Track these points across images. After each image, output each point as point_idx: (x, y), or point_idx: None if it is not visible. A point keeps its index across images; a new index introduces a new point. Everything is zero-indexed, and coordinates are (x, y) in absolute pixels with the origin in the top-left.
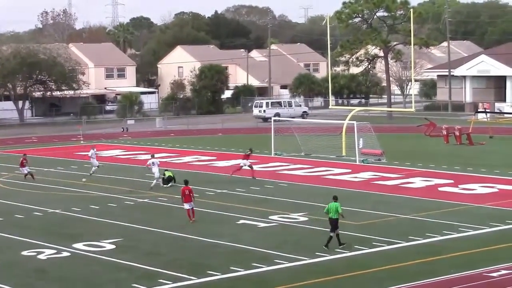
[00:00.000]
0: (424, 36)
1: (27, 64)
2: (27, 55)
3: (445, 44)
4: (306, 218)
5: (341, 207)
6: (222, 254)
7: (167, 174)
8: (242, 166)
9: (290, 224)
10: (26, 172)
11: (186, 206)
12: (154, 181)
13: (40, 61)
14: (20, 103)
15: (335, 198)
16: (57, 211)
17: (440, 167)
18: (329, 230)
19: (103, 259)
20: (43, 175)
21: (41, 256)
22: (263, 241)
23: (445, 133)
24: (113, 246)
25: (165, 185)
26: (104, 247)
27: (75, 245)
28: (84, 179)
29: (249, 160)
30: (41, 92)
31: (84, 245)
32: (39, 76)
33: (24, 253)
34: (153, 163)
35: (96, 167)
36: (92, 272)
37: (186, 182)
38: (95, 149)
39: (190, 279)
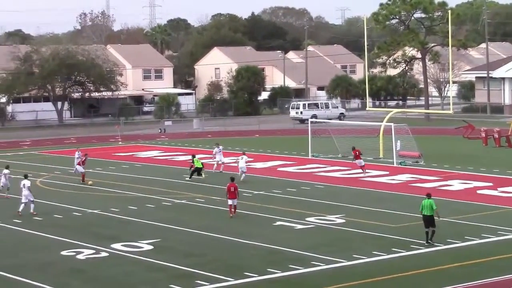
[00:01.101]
0: (462, 38)
1: (66, 65)
2: (66, 57)
3: (483, 45)
4: (343, 220)
5: (435, 204)
6: (259, 255)
7: (197, 165)
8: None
9: (327, 226)
10: (82, 171)
11: (230, 201)
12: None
13: (78, 62)
14: (59, 104)
15: (429, 196)
16: (95, 211)
17: (478, 170)
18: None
19: (140, 259)
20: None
21: (80, 256)
22: (300, 243)
23: (483, 136)
24: (150, 247)
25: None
26: (142, 247)
27: (113, 245)
28: (90, 182)
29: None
30: (80, 93)
31: (122, 245)
32: (78, 77)
33: (63, 253)
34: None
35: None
36: (129, 272)
37: (232, 179)
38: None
39: (227, 280)
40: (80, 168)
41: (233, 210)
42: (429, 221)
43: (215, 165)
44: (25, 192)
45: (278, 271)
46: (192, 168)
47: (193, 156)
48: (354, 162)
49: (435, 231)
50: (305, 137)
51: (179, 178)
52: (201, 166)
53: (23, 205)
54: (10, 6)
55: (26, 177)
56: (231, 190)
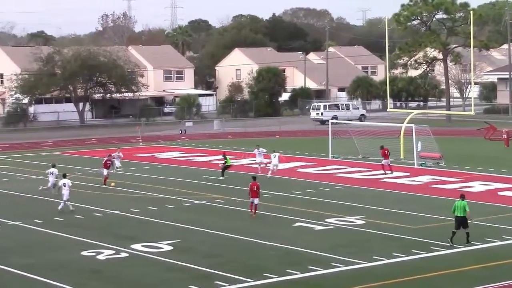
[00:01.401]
0: (484, 39)
1: (88, 66)
2: (88, 58)
3: (505, 46)
4: (363, 222)
5: (468, 206)
6: (278, 256)
7: (228, 163)
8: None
9: (346, 227)
10: (106, 173)
11: (253, 200)
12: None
13: (100, 63)
14: (81, 105)
15: (463, 197)
16: (115, 212)
17: (500, 171)
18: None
19: (160, 260)
20: (102, 176)
21: (100, 257)
22: (319, 244)
23: (505, 137)
24: (170, 247)
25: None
26: (162, 248)
27: (133, 246)
28: (113, 183)
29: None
30: (101, 94)
31: (142, 246)
32: (99, 79)
33: (84, 253)
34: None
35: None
36: (149, 272)
37: (254, 178)
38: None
39: (247, 281)
40: (104, 171)
41: (253, 208)
42: (461, 222)
43: (259, 167)
44: (65, 191)
45: (297, 272)
46: (222, 165)
47: (225, 155)
48: (382, 162)
49: (468, 233)
50: (326, 138)
51: (199, 179)
52: (230, 165)
53: (63, 203)
54: (33, 8)
55: (65, 176)
56: (253, 189)
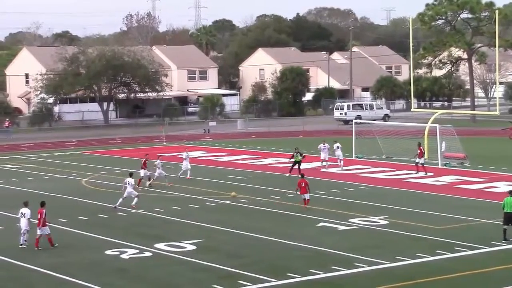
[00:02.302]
0: (509, 38)
1: (112, 66)
2: (112, 58)
3: None
4: (387, 222)
5: None
6: (302, 256)
7: (296, 159)
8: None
9: (370, 228)
10: (142, 175)
11: (302, 196)
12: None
13: (124, 63)
14: (105, 104)
15: (511, 193)
16: (139, 211)
17: None
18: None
19: (184, 259)
20: (127, 175)
21: (124, 256)
22: (343, 244)
23: None
24: (194, 247)
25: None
26: (185, 247)
27: (157, 245)
28: (168, 183)
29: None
30: (125, 94)
31: (165, 245)
32: (123, 78)
33: (108, 252)
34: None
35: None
36: (173, 272)
37: (302, 175)
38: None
39: (270, 281)
40: (142, 172)
41: (305, 202)
42: (510, 218)
43: (323, 163)
44: (129, 189)
45: (320, 272)
46: (292, 160)
47: (297, 149)
48: (417, 161)
49: (506, 230)
50: (349, 138)
51: (223, 178)
52: (299, 160)
53: (121, 200)
54: (58, 8)
55: (131, 175)
56: (301, 185)
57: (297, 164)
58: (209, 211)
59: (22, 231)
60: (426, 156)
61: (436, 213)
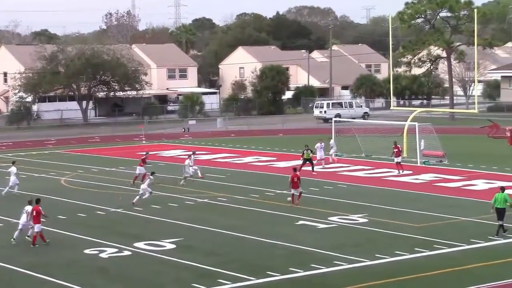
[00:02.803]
0: (488, 37)
1: (91, 65)
2: (91, 56)
3: (509, 44)
4: (366, 220)
5: (509, 198)
6: (281, 255)
7: (306, 156)
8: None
9: (349, 226)
10: (138, 172)
11: (292, 191)
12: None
13: (103, 62)
14: (84, 103)
15: (503, 189)
16: (118, 210)
17: (503, 169)
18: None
19: (163, 258)
20: (106, 174)
21: (103, 255)
22: (323, 242)
23: (508, 135)
24: (173, 246)
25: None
26: (165, 246)
27: (136, 244)
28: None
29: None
30: (105, 93)
31: (145, 244)
32: (103, 77)
33: (87, 251)
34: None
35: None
36: (152, 271)
37: (295, 170)
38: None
39: (250, 280)
40: (141, 169)
41: (296, 200)
42: (501, 213)
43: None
44: (143, 186)
45: (300, 270)
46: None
47: (306, 146)
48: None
49: (503, 225)
50: (329, 136)
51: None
52: (310, 157)
53: (138, 197)
54: (37, 6)
55: (152, 174)
56: (294, 180)
57: (307, 162)
58: (188, 209)
59: (19, 227)
60: (405, 154)
61: (415, 211)
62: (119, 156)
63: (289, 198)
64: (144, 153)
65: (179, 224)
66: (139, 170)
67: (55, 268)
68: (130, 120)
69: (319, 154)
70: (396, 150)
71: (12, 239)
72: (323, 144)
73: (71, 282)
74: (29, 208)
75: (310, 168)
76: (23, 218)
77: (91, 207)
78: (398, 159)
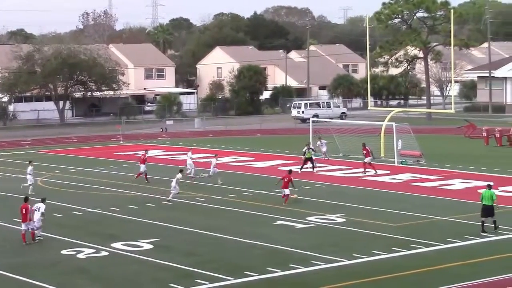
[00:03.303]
0: (464, 37)
1: (68, 64)
2: (68, 56)
3: (485, 45)
4: (344, 220)
5: (495, 195)
6: (259, 254)
7: (308, 155)
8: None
9: (327, 225)
10: (142, 170)
11: (285, 191)
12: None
13: (80, 61)
14: (61, 103)
15: (489, 186)
16: (96, 210)
17: (479, 169)
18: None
19: (141, 258)
20: (83, 175)
21: (80, 255)
22: (301, 242)
23: (485, 135)
24: (150, 246)
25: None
26: (142, 246)
27: (113, 245)
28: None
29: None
30: (82, 93)
31: (122, 244)
32: (80, 77)
33: (64, 252)
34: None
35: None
36: (130, 271)
37: (290, 172)
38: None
39: (227, 280)
40: (142, 167)
41: (285, 199)
42: (488, 211)
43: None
44: (173, 183)
45: (278, 270)
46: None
47: (308, 145)
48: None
49: (496, 221)
50: (307, 136)
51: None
52: (311, 156)
53: (172, 193)
54: (13, 6)
55: (181, 171)
56: (285, 180)
57: (309, 161)
58: (166, 210)
59: (35, 227)
60: (382, 154)
61: (393, 211)
62: (96, 156)
63: (295, 196)
64: (143, 151)
65: (156, 224)
66: (143, 168)
67: (33, 269)
68: (107, 120)
69: (324, 150)
70: (365, 152)
71: (37, 237)
72: (323, 141)
73: (50, 283)
74: (41, 205)
75: (310, 169)
76: (37, 216)
77: (68, 208)
78: (367, 160)
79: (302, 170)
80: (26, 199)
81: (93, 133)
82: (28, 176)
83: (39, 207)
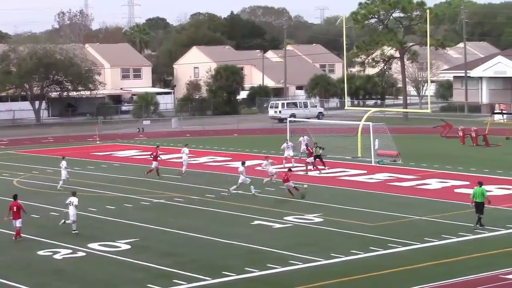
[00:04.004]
0: (440, 37)
1: (44, 64)
2: (44, 56)
3: (461, 45)
4: (322, 219)
5: (486, 192)
6: (237, 254)
7: (316, 153)
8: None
9: (305, 225)
10: (153, 167)
11: (285, 185)
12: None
13: (56, 61)
14: (37, 103)
15: (480, 184)
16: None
17: (456, 169)
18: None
19: (118, 259)
20: (60, 175)
21: (57, 256)
22: (278, 242)
23: (461, 135)
24: (128, 246)
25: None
26: (120, 247)
27: (90, 245)
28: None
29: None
30: (58, 93)
31: (99, 245)
32: (56, 77)
33: (40, 253)
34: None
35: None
36: (107, 272)
37: (289, 170)
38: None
39: (205, 280)
40: (154, 164)
41: (291, 193)
42: (479, 207)
43: (289, 159)
44: (242, 178)
45: (256, 270)
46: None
47: (316, 144)
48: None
49: (481, 218)
50: (284, 136)
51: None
52: (319, 154)
53: (252, 187)
54: None
55: (243, 164)
56: (284, 177)
57: (317, 158)
58: (143, 210)
59: (71, 220)
60: (359, 154)
61: (370, 211)
62: (73, 156)
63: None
64: (155, 147)
65: (134, 224)
66: (154, 164)
67: (9, 270)
68: (84, 120)
69: (286, 152)
70: (308, 152)
71: (73, 231)
72: (290, 144)
73: (26, 284)
74: (74, 199)
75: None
76: (72, 210)
77: (45, 208)
78: (305, 158)
79: (322, 171)
80: (15, 197)
81: (70, 133)
82: (63, 172)
83: (72, 201)
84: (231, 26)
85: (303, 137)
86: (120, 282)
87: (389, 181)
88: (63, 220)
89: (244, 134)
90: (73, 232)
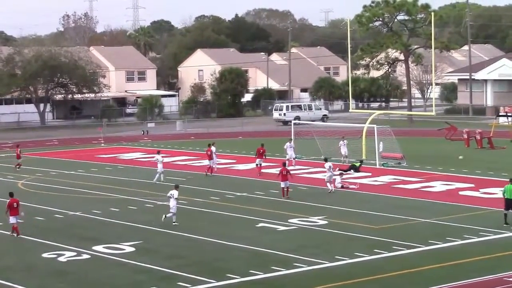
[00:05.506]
0: (445, 40)
1: (49, 67)
2: (49, 58)
3: (466, 47)
4: (326, 222)
5: None
6: (241, 257)
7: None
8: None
9: (309, 228)
10: (211, 165)
11: (282, 184)
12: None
13: (61, 64)
14: (42, 105)
15: None
16: (77, 213)
17: (460, 171)
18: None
19: (122, 261)
20: (64, 177)
21: (61, 259)
22: (283, 245)
23: (466, 137)
24: (132, 249)
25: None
26: (124, 249)
27: (95, 248)
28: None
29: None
30: (62, 95)
31: (104, 247)
32: (60, 79)
33: (45, 255)
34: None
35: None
36: (112, 274)
37: (284, 164)
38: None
39: (210, 282)
40: (209, 162)
41: (285, 193)
42: (509, 204)
43: (290, 161)
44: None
45: (260, 272)
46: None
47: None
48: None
49: (507, 214)
50: (288, 139)
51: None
52: (358, 165)
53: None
54: None
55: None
56: (283, 173)
57: (353, 169)
58: (148, 212)
59: (172, 213)
60: (364, 156)
61: (374, 213)
62: (77, 159)
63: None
64: (209, 145)
65: (138, 227)
66: (209, 162)
67: (12, 273)
68: (89, 123)
69: (343, 150)
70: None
71: (173, 223)
72: (345, 141)
73: (29, 286)
74: (175, 192)
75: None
76: (173, 202)
77: (50, 211)
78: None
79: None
80: (11, 194)
81: (74, 136)
82: (159, 165)
83: (173, 194)
84: (235, 29)
85: (343, 140)
86: (124, 285)
87: (393, 184)
88: (164, 215)
89: (249, 137)
90: (173, 223)
